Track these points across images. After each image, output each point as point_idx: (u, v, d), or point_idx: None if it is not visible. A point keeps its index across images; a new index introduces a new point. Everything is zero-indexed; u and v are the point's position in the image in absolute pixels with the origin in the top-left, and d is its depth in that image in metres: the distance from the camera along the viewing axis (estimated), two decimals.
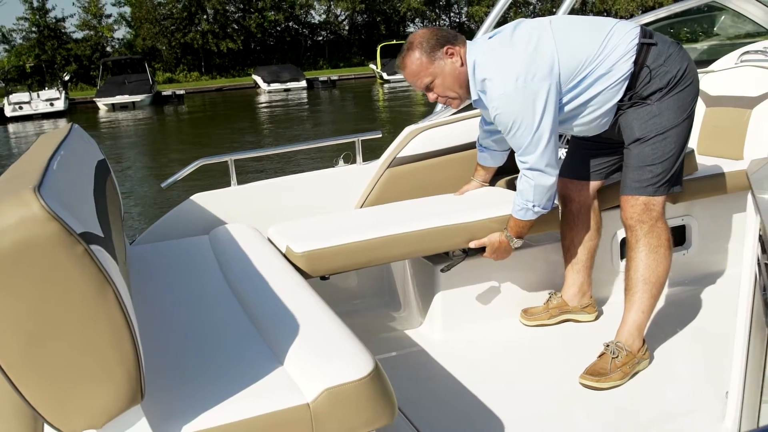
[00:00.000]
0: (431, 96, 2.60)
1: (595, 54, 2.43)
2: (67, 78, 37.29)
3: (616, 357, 2.48)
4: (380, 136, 3.36)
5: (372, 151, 3.38)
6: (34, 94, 30.01)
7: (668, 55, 2.44)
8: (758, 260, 1.80)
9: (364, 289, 3.35)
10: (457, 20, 54.35)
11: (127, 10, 46.84)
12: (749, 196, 1.93)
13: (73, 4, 79.86)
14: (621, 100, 2.48)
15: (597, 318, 2.96)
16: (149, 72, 35.05)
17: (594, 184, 2.83)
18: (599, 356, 2.53)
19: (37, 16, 44.11)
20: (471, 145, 3.31)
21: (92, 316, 1.27)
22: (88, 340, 1.27)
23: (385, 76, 36.64)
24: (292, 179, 3.18)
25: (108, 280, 1.28)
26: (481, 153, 3.01)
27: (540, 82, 2.38)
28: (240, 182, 3.12)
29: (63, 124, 25.72)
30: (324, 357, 1.63)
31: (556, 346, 2.78)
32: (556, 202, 2.70)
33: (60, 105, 29.44)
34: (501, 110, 2.44)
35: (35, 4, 44.34)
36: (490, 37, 2.55)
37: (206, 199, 3.03)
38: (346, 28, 50.59)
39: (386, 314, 3.22)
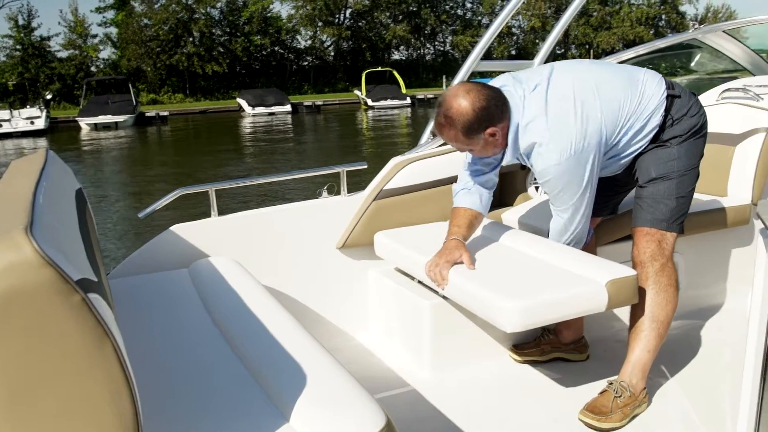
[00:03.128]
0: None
1: (633, 110, 2.47)
2: (49, 96, 37.03)
3: (619, 396, 2.45)
4: (365, 167, 3.29)
5: (356, 183, 3.31)
6: (15, 112, 29.78)
7: (689, 107, 2.53)
8: None
9: (348, 322, 3.27)
10: (442, 48, 54.82)
11: (113, 30, 46.88)
12: (759, 235, 1.88)
13: (59, 23, 79.94)
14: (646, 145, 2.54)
15: (588, 358, 2.91)
16: (133, 93, 34.93)
17: (595, 220, 2.85)
18: (601, 393, 2.49)
19: (22, 34, 43.92)
20: (457, 178, 3.26)
21: (88, 371, 1.16)
22: (81, 397, 1.16)
23: (369, 102, 36.79)
24: (275, 210, 3.10)
25: (107, 332, 1.17)
26: (469, 196, 2.69)
27: (592, 150, 2.41)
28: (222, 212, 3.04)
29: (43, 143, 25.60)
30: (332, 412, 1.53)
31: (546, 384, 2.72)
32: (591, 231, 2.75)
33: (41, 124, 29.22)
34: (552, 176, 2.42)
35: (20, 21, 44.21)
36: (532, 90, 2.44)
37: (186, 231, 2.93)
38: (332, 53, 50.82)
39: (371, 351, 3.13)
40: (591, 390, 2.65)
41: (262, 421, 1.55)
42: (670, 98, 2.51)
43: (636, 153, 2.55)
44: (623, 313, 3.18)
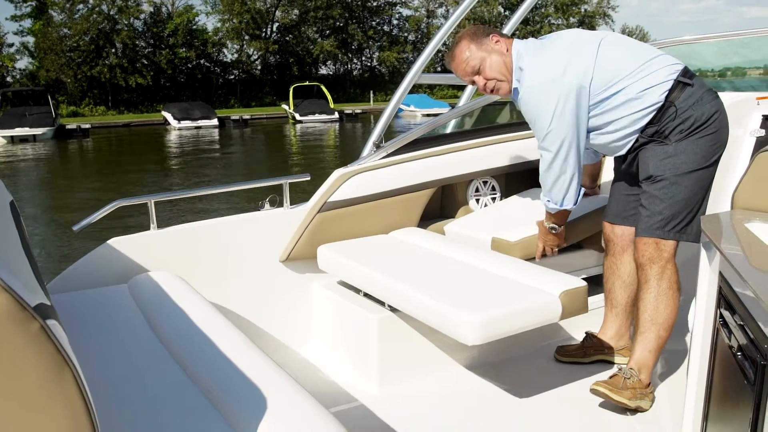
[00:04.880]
0: (480, 82, 2.70)
1: (630, 74, 2.49)
2: None
3: (629, 378, 2.52)
4: (309, 179, 3.26)
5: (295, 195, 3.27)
6: None
7: (698, 99, 2.47)
8: (722, 317, 1.78)
9: (292, 336, 3.22)
10: (369, 64, 55.06)
11: (30, 39, 45.26)
12: (702, 250, 1.93)
13: None
14: (642, 131, 2.52)
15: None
16: (52, 105, 33.71)
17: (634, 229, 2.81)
18: (611, 377, 2.57)
19: None
20: (400, 191, 3.26)
21: (47, 402, 1.04)
22: (40, 430, 1.05)
23: (297, 116, 36.58)
24: (216, 222, 3.03)
25: (66, 361, 1.06)
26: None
27: (568, 83, 2.48)
28: (160, 226, 2.95)
29: None
30: (293, 429, 1.50)
31: (496, 397, 2.73)
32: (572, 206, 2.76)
33: None
34: (526, 99, 2.57)
35: None
36: (541, 39, 2.68)
37: (124, 244, 2.83)
38: (259, 67, 50.38)
39: (315, 366, 3.09)
40: (543, 403, 2.66)
41: None
42: (680, 84, 2.47)
43: (631, 132, 2.54)
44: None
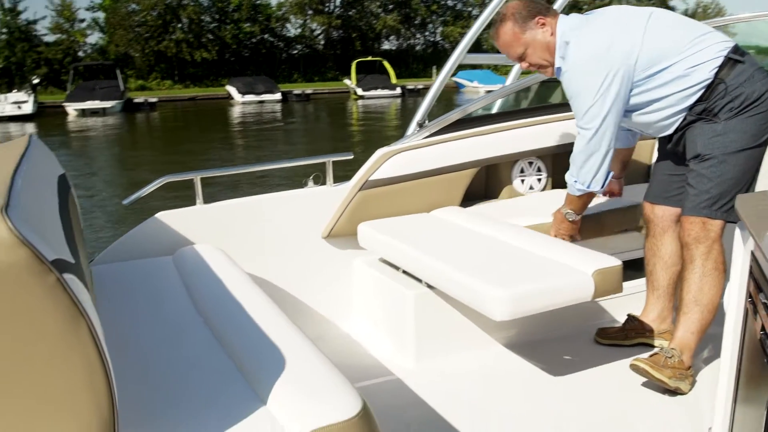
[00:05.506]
0: (523, 65, 2.73)
1: (679, 51, 2.45)
2: (36, 81, 36.65)
3: (671, 357, 2.51)
4: (351, 157, 3.31)
5: (342, 173, 3.33)
6: (2, 96, 29.50)
7: (749, 76, 2.42)
8: (751, 297, 1.76)
9: (332, 311, 3.29)
10: (432, 39, 54.66)
11: (100, 15, 46.41)
12: (737, 230, 1.90)
13: (46, 7, 79.19)
14: (691, 109, 2.48)
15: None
16: (121, 79, 34.67)
17: (677, 210, 2.77)
18: (652, 355, 2.56)
19: (8, 17, 43.42)
20: (442, 170, 3.28)
21: (63, 352, 1.16)
22: (58, 376, 1.16)
23: (359, 91, 36.69)
24: (260, 199, 3.11)
25: (82, 312, 1.17)
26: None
27: (614, 60, 2.45)
28: (207, 200, 3.04)
29: (30, 127, 25.39)
30: (309, 396, 1.55)
31: (530, 376, 2.75)
32: (602, 190, 2.71)
33: (28, 108, 28.97)
34: (569, 76, 2.55)
35: (6, 5, 43.68)
36: (587, 14, 2.66)
37: (171, 218, 2.94)
38: (322, 42, 50.58)
39: (355, 341, 3.15)
40: (581, 383, 2.66)
41: (240, 404, 1.57)
42: (731, 61, 2.42)
43: (679, 111, 2.50)
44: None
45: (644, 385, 2.62)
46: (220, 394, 1.63)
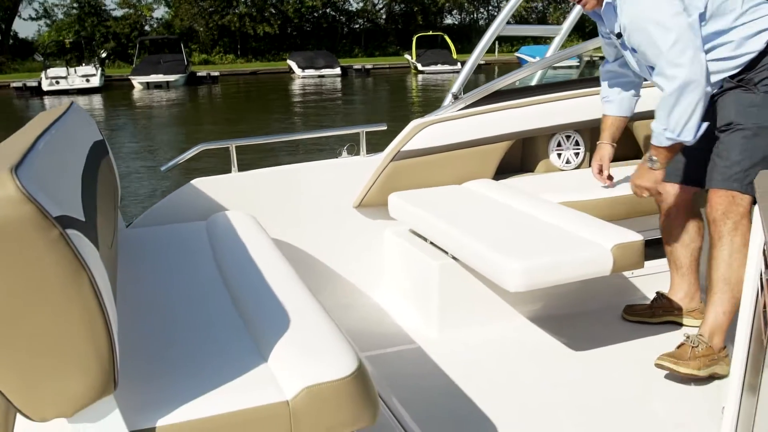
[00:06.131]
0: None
1: (736, 16, 2.35)
2: (104, 55, 37.57)
3: (696, 347, 2.45)
4: (385, 128, 3.34)
5: (377, 143, 3.36)
6: (71, 70, 30.31)
7: None
8: (761, 277, 1.75)
9: (362, 280, 3.35)
10: (495, 14, 53.79)
11: None
12: (756, 210, 1.87)
13: None
14: (733, 76, 2.40)
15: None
16: (185, 53, 35.23)
17: (690, 188, 2.73)
18: (678, 347, 2.50)
19: None
20: (476, 142, 3.28)
21: (65, 302, 1.23)
22: (59, 327, 1.24)
23: (419, 66, 36.48)
24: (294, 168, 3.17)
25: (83, 266, 1.24)
26: (608, 104, 3.02)
27: None
28: (246, 168, 3.12)
29: (98, 100, 26.11)
30: (307, 354, 1.61)
31: (551, 349, 2.76)
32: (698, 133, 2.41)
33: (96, 81, 29.72)
34: (630, 20, 2.36)
35: None
36: None
37: (206, 185, 3.03)
38: (384, 17, 50.38)
39: (383, 309, 3.21)
40: (604, 359, 2.66)
41: (242, 359, 1.64)
42: None
43: (720, 79, 2.41)
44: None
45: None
46: (225, 349, 1.70)
